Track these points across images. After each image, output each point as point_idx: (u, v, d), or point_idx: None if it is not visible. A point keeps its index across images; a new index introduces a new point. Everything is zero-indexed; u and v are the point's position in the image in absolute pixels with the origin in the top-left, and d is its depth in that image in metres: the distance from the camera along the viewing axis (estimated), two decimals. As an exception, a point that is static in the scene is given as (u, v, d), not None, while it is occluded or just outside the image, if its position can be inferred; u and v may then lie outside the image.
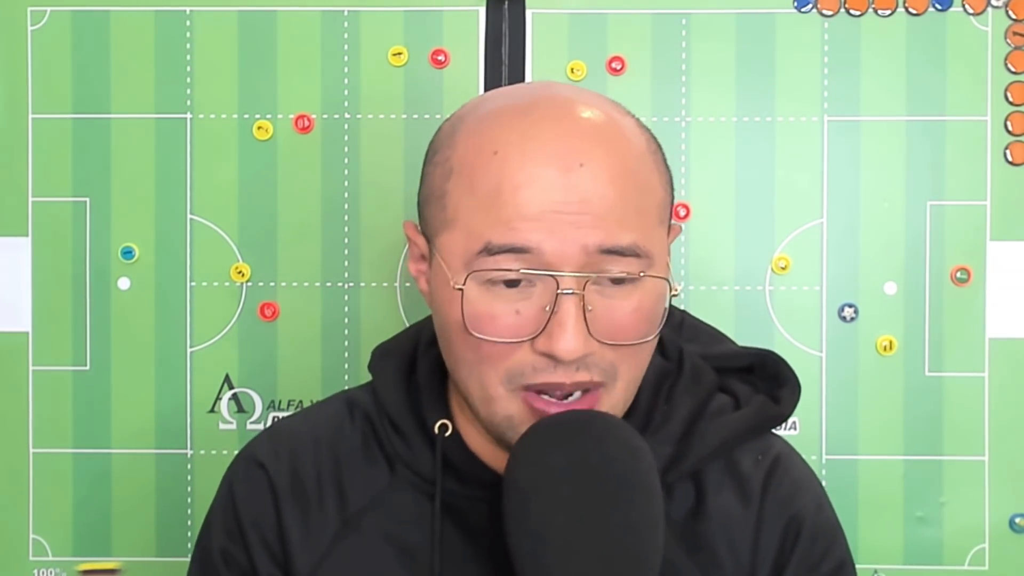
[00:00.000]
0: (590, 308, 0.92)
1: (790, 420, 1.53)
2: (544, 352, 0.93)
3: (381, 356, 1.11)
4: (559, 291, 0.91)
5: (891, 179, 1.56)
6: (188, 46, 1.57)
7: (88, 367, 1.57)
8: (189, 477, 1.56)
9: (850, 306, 1.56)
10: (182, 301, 1.57)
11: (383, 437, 1.06)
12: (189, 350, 1.57)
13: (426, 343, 1.08)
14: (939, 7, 1.55)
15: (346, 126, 1.57)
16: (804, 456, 1.14)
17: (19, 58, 1.57)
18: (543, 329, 0.92)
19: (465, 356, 0.96)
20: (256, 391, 1.57)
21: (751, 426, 1.06)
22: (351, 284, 1.57)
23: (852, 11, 1.56)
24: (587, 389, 0.95)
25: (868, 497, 1.54)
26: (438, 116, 1.56)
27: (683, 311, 1.17)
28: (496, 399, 0.96)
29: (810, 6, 1.56)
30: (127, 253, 1.56)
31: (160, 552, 1.55)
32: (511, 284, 0.93)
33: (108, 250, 1.57)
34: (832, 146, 1.56)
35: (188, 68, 1.57)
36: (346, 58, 1.56)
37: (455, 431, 1.03)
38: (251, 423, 1.56)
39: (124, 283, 1.57)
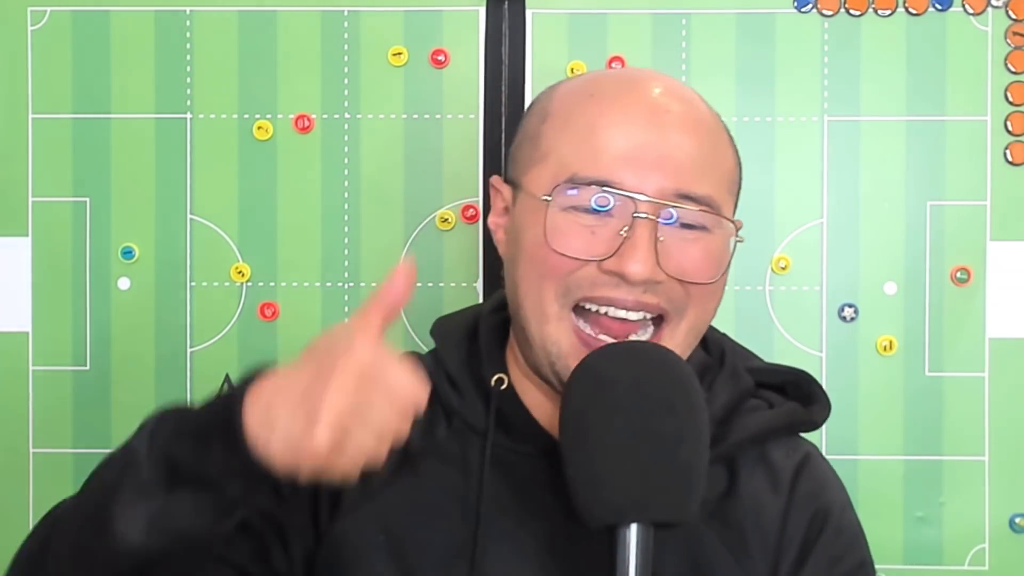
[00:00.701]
0: (661, 239, 0.98)
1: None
2: (613, 271, 0.98)
3: (442, 323, 1.16)
4: (635, 214, 0.98)
5: (891, 179, 1.56)
6: (188, 46, 1.57)
7: (88, 367, 1.57)
8: (189, 477, 1.56)
9: (850, 306, 1.56)
10: (182, 301, 1.57)
11: (441, 392, 1.09)
12: (189, 350, 1.57)
13: (489, 310, 1.13)
14: (939, 7, 1.55)
15: (346, 126, 1.57)
16: (830, 466, 1.15)
17: (19, 58, 1.57)
18: (616, 251, 0.98)
19: (530, 275, 1.01)
20: (256, 391, 1.56)
21: (784, 423, 1.10)
22: (351, 284, 1.57)
23: (852, 11, 1.56)
24: (650, 322, 1.01)
25: (868, 497, 1.54)
26: (438, 116, 1.56)
27: (723, 334, 1.18)
28: (548, 317, 1.01)
29: (810, 6, 1.56)
30: (127, 253, 1.56)
31: (160, 552, 1.55)
32: (590, 211, 0.99)
33: (108, 250, 1.57)
34: (832, 146, 1.56)
35: (188, 68, 1.57)
36: (346, 58, 1.57)
37: (510, 386, 1.08)
38: (251, 423, 1.56)
39: (124, 283, 1.57)
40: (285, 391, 0.87)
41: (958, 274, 1.55)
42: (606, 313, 1.00)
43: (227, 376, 1.56)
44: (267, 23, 1.56)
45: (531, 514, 1.03)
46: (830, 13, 1.56)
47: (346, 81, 1.56)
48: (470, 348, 1.11)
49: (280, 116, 1.57)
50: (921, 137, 1.55)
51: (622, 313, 1.00)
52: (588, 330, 1.01)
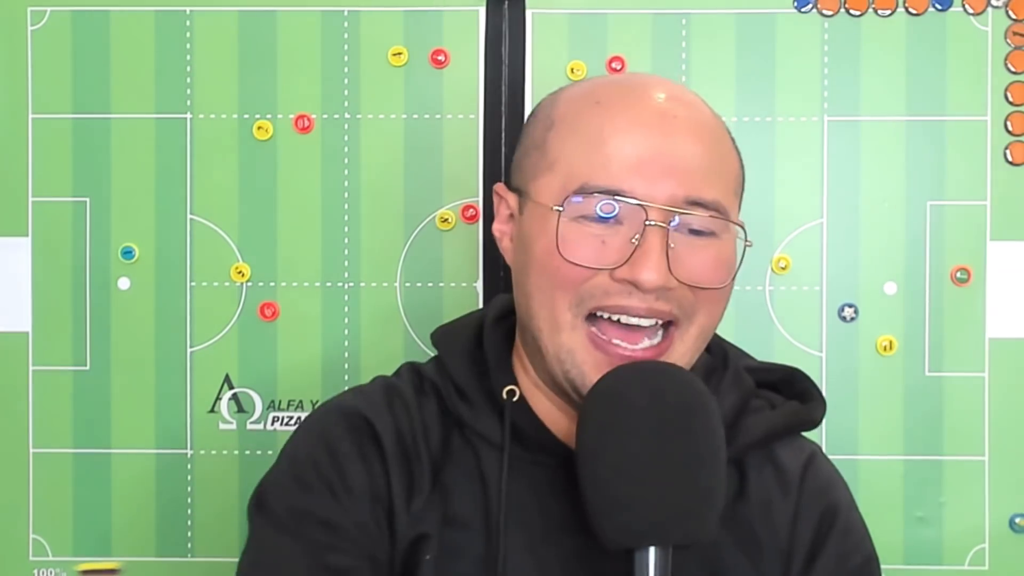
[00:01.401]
0: (672, 246, 0.98)
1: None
2: (625, 279, 0.98)
3: (445, 332, 1.15)
4: (647, 222, 0.98)
5: (891, 179, 1.56)
6: (188, 46, 1.57)
7: (88, 367, 1.57)
8: (189, 477, 1.56)
9: (850, 306, 1.56)
10: (182, 301, 1.57)
11: (450, 404, 1.09)
12: (189, 350, 1.57)
13: (493, 318, 1.13)
14: (939, 7, 1.55)
15: (346, 126, 1.57)
16: (833, 465, 1.16)
17: (19, 58, 1.57)
18: (628, 260, 0.98)
19: (542, 285, 1.01)
20: (256, 391, 1.57)
21: (789, 424, 1.11)
22: (351, 284, 1.57)
23: (852, 11, 1.56)
24: (659, 331, 1.01)
25: (868, 497, 1.54)
26: (438, 116, 1.56)
27: (717, 334, 1.18)
28: (562, 327, 1.00)
29: (810, 6, 1.56)
30: (127, 253, 1.56)
31: (160, 552, 1.55)
32: (600, 220, 0.99)
33: (108, 250, 1.57)
34: (832, 146, 1.56)
35: (188, 68, 1.57)
36: (346, 58, 1.56)
37: (521, 397, 1.07)
38: (251, 423, 1.56)
39: (124, 283, 1.57)
40: None
41: (958, 274, 1.55)
42: (618, 320, 1.00)
43: (227, 376, 1.57)
44: (267, 23, 1.56)
45: (552, 526, 1.04)
46: (830, 13, 1.56)
47: (346, 81, 1.56)
48: (475, 358, 1.10)
49: (280, 116, 1.57)
50: (921, 137, 1.55)
51: (634, 320, 1.00)
52: (601, 335, 1.01)
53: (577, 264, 0.99)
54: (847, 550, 1.08)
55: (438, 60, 1.56)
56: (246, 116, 1.57)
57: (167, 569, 1.55)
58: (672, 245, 0.98)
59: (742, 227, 1.03)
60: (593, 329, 1.01)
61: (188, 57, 1.57)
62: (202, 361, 1.56)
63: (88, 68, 1.57)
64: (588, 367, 0.99)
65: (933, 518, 1.55)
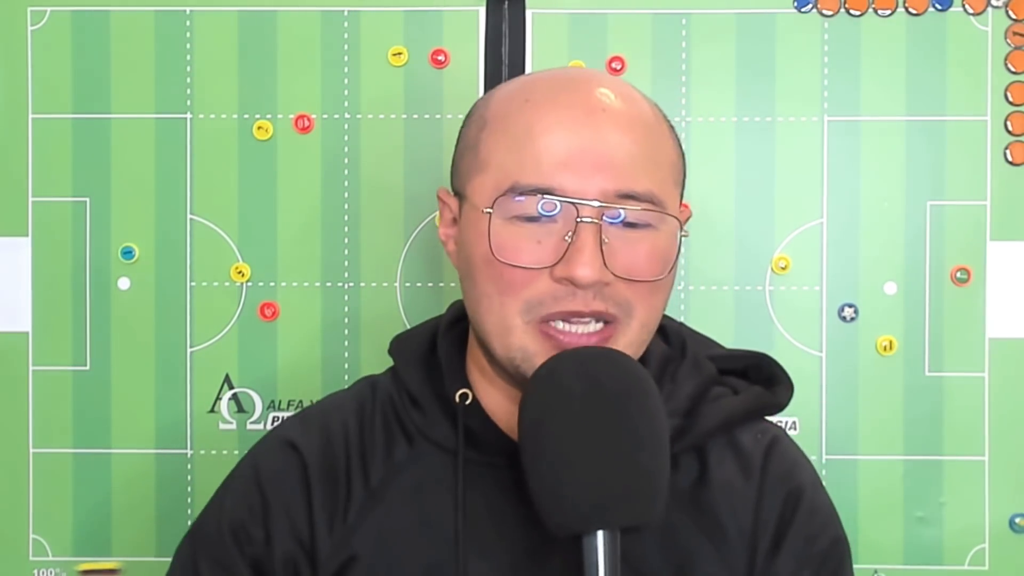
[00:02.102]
0: (606, 240, 0.99)
1: (790, 420, 1.53)
2: (563, 277, 0.99)
3: (400, 341, 1.16)
4: (578, 219, 0.98)
5: (891, 179, 1.56)
6: (188, 46, 1.57)
7: (88, 367, 1.57)
8: (189, 477, 1.56)
9: (850, 306, 1.56)
10: (182, 301, 1.57)
11: (402, 412, 1.10)
12: (189, 350, 1.57)
13: (446, 324, 1.14)
14: (939, 7, 1.55)
15: (346, 126, 1.57)
16: (798, 448, 1.15)
17: (19, 58, 1.57)
18: (562, 257, 0.98)
19: (487, 290, 1.02)
20: (256, 391, 1.57)
21: (750, 408, 1.11)
22: (351, 284, 1.57)
23: (852, 11, 1.56)
24: (603, 321, 1.01)
25: (868, 497, 1.54)
26: (438, 116, 1.56)
27: (680, 323, 1.19)
28: (513, 330, 1.01)
29: (810, 6, 1.56)
30: (127, 253, 1.56)
31: (160, 552, 1.55)
32: (533, 219, 1.00)
33: (108, 250, 1.57)
34: (832, 146, 1.56)
35: (188, 68, 1.57)
36: (346, 58, 1.56)
37: (474, 400, 1.08)
38: (251, 423, 1.56)
39: (124, 283, 1.57)
40: None
41: (958, 274, 1.55)
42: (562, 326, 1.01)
43: (227, 376, 1.57)
44: (267, 23, 1.56)
45: (505, 525, 1.04)
46: (830, 13, 1.56)
47: (346, 81, 1.56)
48: (430, 364, 1.11)
49: (280, 116, 1.57)
50: (921, 137, 1.55)
51: (579, 329, 1.01)
52: (551, 331, 1.01)
53: (514, 266, 0.99)
54: (813, 532, 1.08)
55: (438, 60, 1.56)
56: (246, 116, 1.57)
57: (167, 569, 1.55)
58: (606, 240, 0.99)
59: (677, 218, 1.03)
60: (542, 325, 1.01)
61: (188, 57, 1.57)
62: (202, 361, 1.56)
63: (88, 68, 1.57)
64: (540, 359, 0.99)
65: (933, 518, 1.55)
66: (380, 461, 1.08)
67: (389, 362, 1.16)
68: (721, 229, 1.55)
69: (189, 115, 1.57)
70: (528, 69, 1.55)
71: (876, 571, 1.54)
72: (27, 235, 1.57)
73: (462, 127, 1.10)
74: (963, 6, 1.55)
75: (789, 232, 1.56)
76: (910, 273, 1.55)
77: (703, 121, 1.56)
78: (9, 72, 1.57)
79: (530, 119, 1.01)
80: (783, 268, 1.56)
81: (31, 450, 1.57)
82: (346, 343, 1.56)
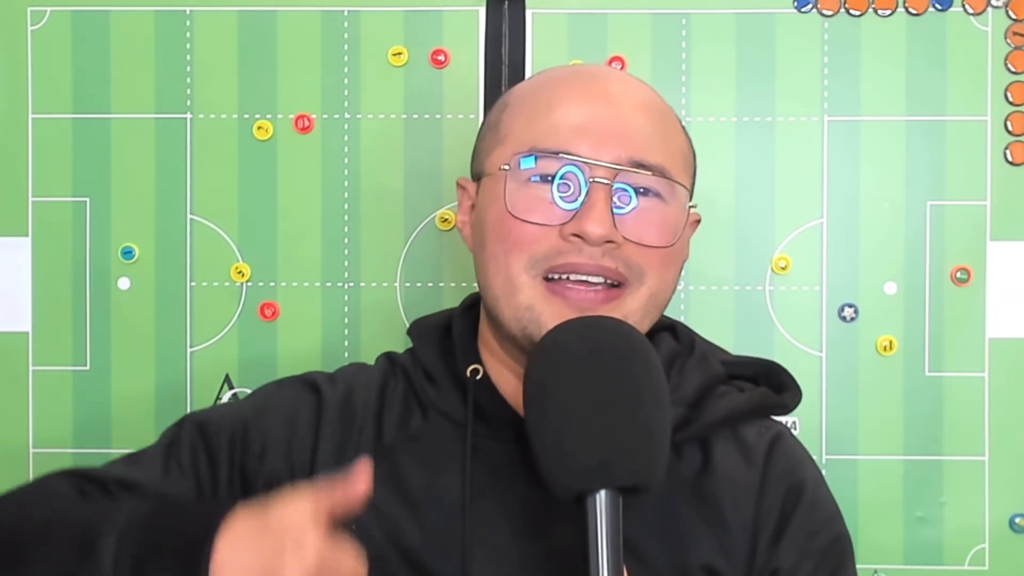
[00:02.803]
0: (618, 204, 1.03)
1: (790, 420, 1.53)
2: (572, 233, 1.02)
3: (419, 323, 1.20)
4: (591, 179, 1.02)
5: (891, 179, 1.56)
6: (188, 46, 1.57)
7: (88, 367, 1.57)
8: (189, 477, 1.56)
9: (850, 306, 1.56)
10: (182, 301, 1.57)
11: (417, 386, 1.13)
12: (189, 350, 1.57)
13: (462, 308, 1.18)
14: (939, 7, 1.55)
15: (346, 126, 1.57)
16: (802, 445, 1.16)
17: (19, 58, 1.57)
18: (574, 216, 1.03)
19: (495, 251, 1.05)
20: (256, 391, 1.57)
21: (756, 405, 1.13)
22: (351, 284, 1.57)
23: (852, 11, 1.56)
24: (611, 283, 1.04)
25: (868, 497, 1.54)
26: (438, 116, 1.56)
27: (693, 331, 1.21)
28: (519, 288, 1.04)
29: (810, 6, 1.56)
30: (127, 253, 1.56)
31: (160, 552, 1.55)
32: (547, 180, 1.04)
33: (108, 250, 1.57)
34: (832, 146, 1.56)
35: (188, 68, 1.57)
36: (346, 58, 1.56)
37: (485, 376, 1.11)
38: (251, 423, 1.56)
39: (124, 283, 1.57)
40: (244, 565, 0.85)
41: (958, 274, 1.55)
42: (568, 278, 1.04)
43: (227, 376, 1.57)
44: (267, 23, 1.56)
45: (509, 499, 1.05)
46: (830, 13, 1.56)
47: (346, 81, 1.56)
48: (445, 344, 1.15)
49: (280, 116, 1.57)
50: (921, 137, 1.55)
51: (583, 277, 1.03)
52: (556, 287, 1.04)
53: (527, 222, 1.03)
54: (815, 527, 1.08)
55: (438, 60, 1.56)
56: (246, 116, 1.57)
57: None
58: (618, 203, 1.03)
59: (686, 187, 1.08)
60: (547, 283, 1.04)
61: (188, 57, 1.57)
62: (202, 361, 1.56)
63: (88, 68, 1.57)
64: (546, 317, 1.02)
65: (933, 518, 1.55)
66: (394, 425, 1.11)
67: (389, 362, 1.16)
68: (721, 229, 1.55)
69: (189, 115, 1.57)
70: (528, 69, 1.55)
71: (876, 571, 1.54)
72: (27, 235, 1.57)
73: (484, 119, 1.14)
74: (963, 6, 1.55)
75: (789, 232, 1.56)
76: (910, 273, 1.55)
77: (703, 121, 1.56)
78: (9, 72, 1.57)
79: (549, 95, 1.07)
80: (783, 268, 1.56)
81: (31, 450, 1.57)
82: (346, 343, 1.56)
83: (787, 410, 1.14)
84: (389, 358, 1.18)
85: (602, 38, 1.56)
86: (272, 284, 1.57)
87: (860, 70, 1.56)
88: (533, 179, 1.04)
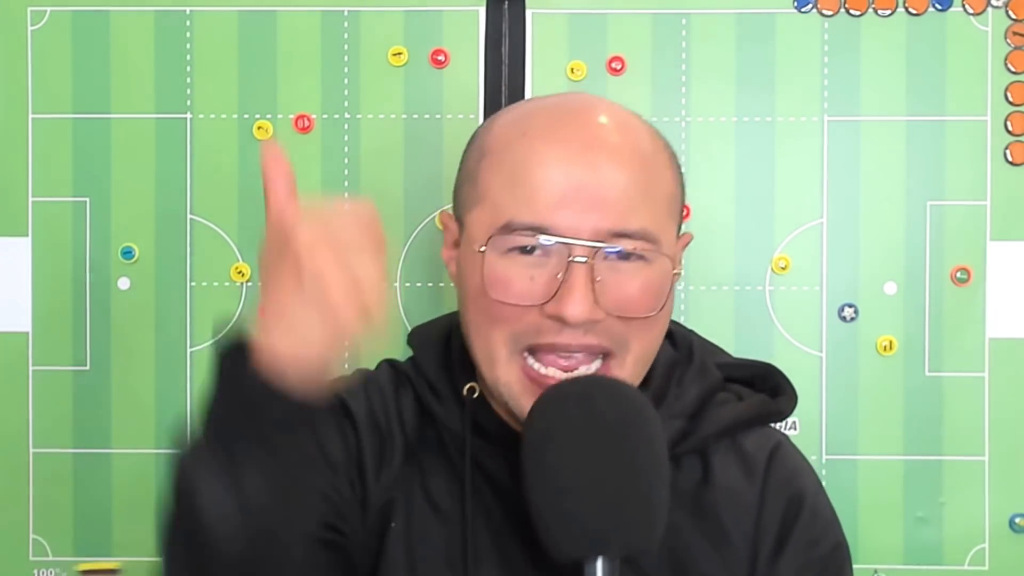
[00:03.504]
0: (599, 278, 1.00)
1: (790, 420, 1.53)
2: (553, 315, 1.00)
3: (419, 332, 1.19)
4: (571, 259, 0.99)
5: (891, 179, 1.56)
6: (188, 46, 1.57)
7: (88, 367, 1.57)
8: (189, 477, 1.56)
9: (850, 306, 1.56)
10: (182, 301, 1.57)
11: (423, 397, 1.12)
12: (189, 350, 1.57)
13: (460, 323, 1.15)
14: (939, 7, 1.55)
15: (346, 126, 1.57)
16: (804, 456, 1.16)
17: (19, 58, 1.57)
18: (554, 295, 1.00)
19: (478, 320, 1.04)
20: (256, 391, 1.56)
21: (754, 415, 1.12)
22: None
23: (852, 11, 1.56)
24: (597, 355, 1.02)
25: (868, 497, 1.54)
26: (438, 116, 1.56)
27: (690, 329, 1.20)
28: (498, 362, 1.03)
29: (810, 6, 1.56)
30: (127, 253, 1.56)
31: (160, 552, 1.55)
32: (527, 252, 1.01)
33: (108, 250, 1.57)
34: (832, 146, 1.56)
35: (188, 68, 1.57)
36: (346, 58, 1.56)
37: (482, 396, 1.10)
38: (251, 423, 1.56)
39: (124, 283, 1.57)
40: (281, 298, 0.87)
41: (958, 274, 1.55)
42: (551, 365, 1.02)
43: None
44: (267, 23, 1.56)
45: (513, 517, 1.05)
46: (830, 13, 1.56)
47: (346, 81, 1.56)
48: (445, 356, 1.14)
49: (280, 116, 1.57)
50: (921, 137, 1.55)
51: (562, 363, 1.02)
52: (537, 367, 1.02)
53: (504, 303, 1.01)
54: (816, 536, 1.08)
55: (438, 60, 1.56)
56: (246, 116, 1.57)
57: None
58: (599, 278, 1.00)
59: (670, 258, 1.04)
60: (529, 360, 1.03)
61: (188, 57, 1.57)
62: (202, 361, 1.56)
63: (88, 68, 1.57)
64: (525, 399, 1.01)
65: (933, 518, 1.55)
66: (414, 432, 1.11)
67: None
68: (721, 229, 1.55)
69: (189, 115, 1.57)
70: (528, 69, 1.55)
71: (876, 571, 1.54)
72: (27, 235, 1.57)
73: (464, 152, 1.11)
74: (963, 6, 1.55)
75: (789, 232, 1.56)
76: (910, 273, 1.55)
77: (703, 121, 1.56)
78: (9, 72, 1.57)
79: (526, 153, 1.02)
80: (783, 268, 1.56)
81: (31, 450, 1.57)
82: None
83: (784, 417, 1.14)
84: (392, 367, 1.17)
85: (602, 38, 1.56)
86: (272, 284, 1.56)
87: (860, 70, 1.56)
88: (512, 251, 1.01)
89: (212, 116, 1.57)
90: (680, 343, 1.16)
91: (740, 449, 1.11)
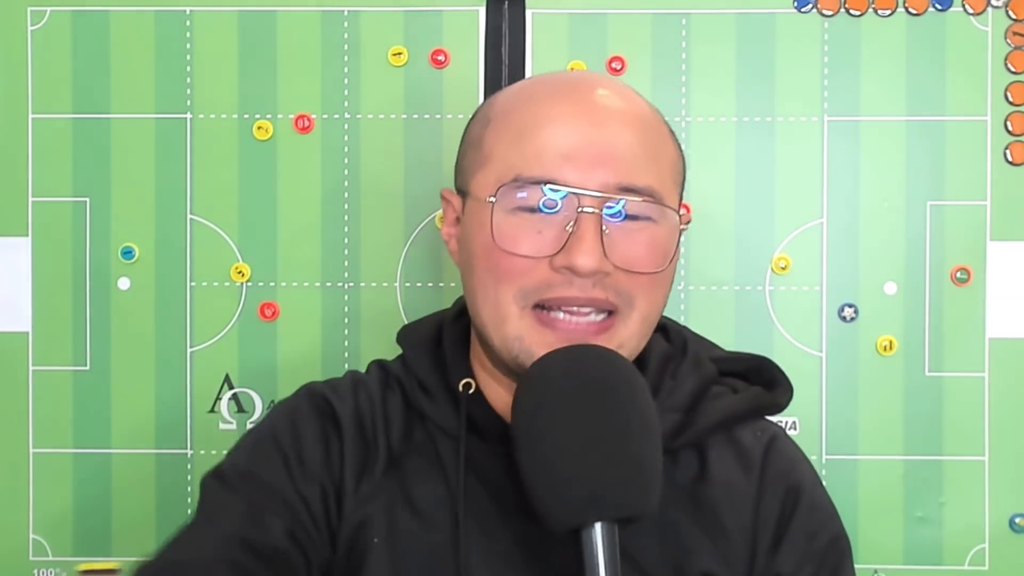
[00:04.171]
0: (607, 231, 1.00)
1: (790, 420, 1.53)
2: (563, 266, 1.00)
3: (409, 330, 1.18)
4: (580, 209, 0.99)
5: (891, 179, 1.56)
6: (188, 46, 1.57)
7: (88, 367, 1.57)
8: (189, 477, 1.56)
9: (850, 306, 1.56)
10: (182, 301, 1.57)
11: (412, 398, 1.12)
12: (189, 350, 1.57)
13: (452, 317, 1.15)
14: (939, 7, 1.55)
15: (346, 126, 1.57)
16: (797, 446, 1.16)
17: (19, 58, 1.57)
18: (563, 246, 1.00)
19: (485, 279, 1.03)
20: (256, 391, 1.57)
21: (750, 407, 1.12)
22: (351, 284, 1.57)
23: (852, 11, 1.56)
24: (603, 312, 1.02)
25: (868, 497, 1.54)
26: (438, 116, 1.56)
27: (683, 325, 1.20)
28: (508, 318, 1.02)
29: (810, 6, 1.56)
30: (127, 253, 1.56)
31: (160, 552, 1.55)
32: (534, 210, 1.01)
33: (108, 250, 1.57)
34: (832, 146, 1.56)
35: (188, 68, 1.57)
36: (346, 58, 1.57)
37: (477, 390, 1.09)
38: (251, 423, 1.56)
39: (124, 283, 1.57)
40: None
41: (958, 274, 1.55)
42: (559, 309, 1.02)
43: (227, 376, 1.57)
44: (267, 23, 1.56)
45: (507, 513, 1.05)
46: (830, 13, 1.56)
47: (346, 81, 1.56)
48: (436, 354, 1.13)
49: (280, 116, 1.57)
50: (921, 137, 1.55)
51: (578, 319, 1.02)
52: (545, 318, 1.03)
53: (515, 254, 1.01)
54: (814, 528, 1.08)
55: (438, 60, 1.56)
56: (246, 116, 1.57)
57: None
58: (607, 231, 1.00)
59: (676, 211, 1.05)
60: (536, 312, 1.03)
61: (188, 57, 1.57)
62: (202, 361, 1.56)
63: (88, 68, 1.57)
64: (537, 347, 1.01)
65: (933, 518, 1.55)
66: (400, 437, 1.10)
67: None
68: (721, 229, 1.55)
69: (189, 115, 1.57)
70: (528, 69, 1.55)
71: (876, 571, 1.54)
72: (27, 235, 1.57)
73: (466, 128, 1.11)
74: (963, 6, 1.55)
75: (789, 232, 1.56)
76: (910, 273, 1.55)
77: (703, 121, 1.56)
78: (9, 72, 1.57)
79: (533, 113, 1.03)
80: (783, 268, 1.56)
81: (31, 450, 1.57)
82: (346, 343, 1.56)
83: (780, 409, 1.14)
84: (382, 367, 1.17)
85: (602, 38, 1.56)
86: (272, 284, 1.57)
87: (860, 70, 1.56)
88: (519, 209, 1.02)
89: (212, 116, 1.57)
90: (674, 337, 1.16)
91: (736, 442, 1.11)
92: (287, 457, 1.07)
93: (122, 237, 1.57)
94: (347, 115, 1.56)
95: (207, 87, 1.56)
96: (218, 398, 1.57)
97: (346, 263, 1.57)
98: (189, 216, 1.57)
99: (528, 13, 1.56)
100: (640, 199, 1.02)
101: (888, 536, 1.54)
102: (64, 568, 1.57)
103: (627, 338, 1.03)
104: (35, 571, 1.56)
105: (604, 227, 1.00)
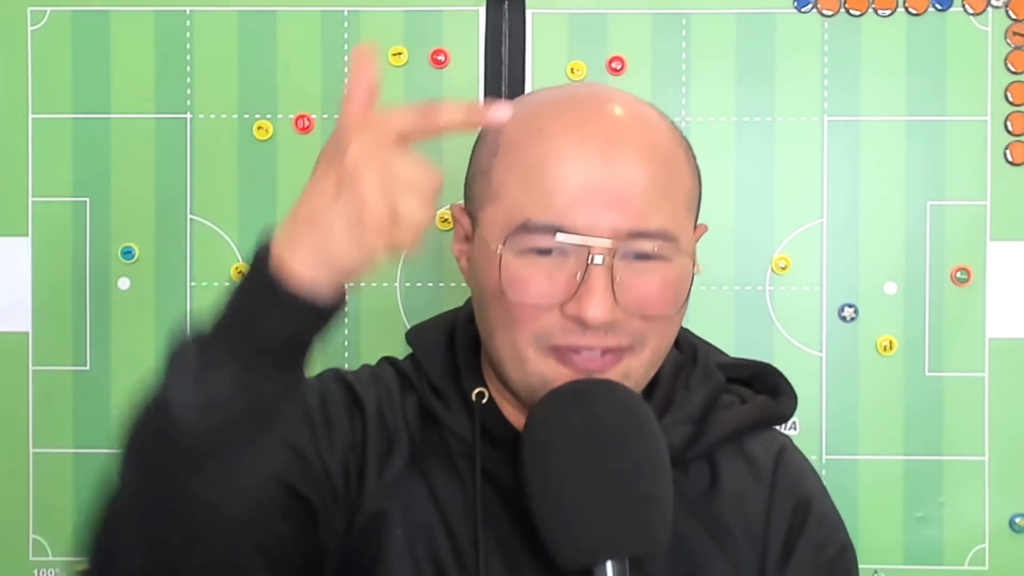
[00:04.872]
0: (618, 278, 0.97)
1: (790, 420, 1.53)
2: (573, 316, 0.98)
3: (420, 332, 1.16)
4: (589, 260, 0.97)
5: (891, 179, 1.56)
6: (188, 46, 1.57)
7: (88, 367, 1.57)
8: (189, 477, 1.56)
9: (850, 306, 1.56)
10: (182, 301, 1.57)
11: (426, 400, 1.10)
12: (189, 350, 1.56)
13: (463, 321, 1.13)
14: (939, 7, 1.55)
15: (346, 126, 1.56)
16: (804, 456, 1.16)
17: (19, 58, 1.57)
18: (573, 295, 0.97)
19: (499, 320, 1.02)
20: (256, 391, 1.57)
21: (759, 418, 1.12)
22: (351, 284, 1.56)
23: (852, 11, 1.56)
24: (618, 353, 1.01)
25: (868, 497, 1.54)
26: (438, 116, 1.56)
27: (686, 329, 1.19)
28: (528, 360, 1.01)
29: (810, 6, 1.56)
30: (127, 253, 1.56)
31: (160, 552, 1.55)
32: (545, 252, 0.99)
33: (108, 250, 1.57)
34: (832, 146, 1.56)
35: (188, 68, 1.57)
36: (346, 58, 1.57)
37: (490, 399, 1.08)
38: (251, 423, 1.56)
39: (124, 283, 1.57)
40: (316, 203, 0.86)
41: (958, 274, 1.55)
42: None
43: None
44: (267, 23, 1.56)
45: (520, 524, 1.03)
46: (830, 13, 1.56)
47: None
48: (448, 358, 1.11)
49: (280, 116, 1.57)
50: (921, 137, 1.55)
51: (593, 354, 1.00)
52: (565, 358, 1.01)
53: (525, 303, 0.99)
54: (823, 540, 1.08)
55: (438, 60, 1.56)
56: (246, 116, 1.57)
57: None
58: (618, 277, 0.97)
59: (689, 256, 1.03)
60: (556, 351, 1.01)
61: (188, 57, 1.57)
62: (202, 361, 1.56)
63: (88, 68, 1.57)
64: (556, 382, 0.99)
65: (933, 518, 1.55)
66: (419, 434, 1.09)
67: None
68: (721, 229, 1.55)
69: (189, 115, 1.57)
70: (528, 69, 1.55)
71: (876, 571, 1.54)
72: (27, 235, 1.57)
73: (475, 144, 1.09)
74: (963, 6, 1.55)
75: (789, 232, 1.56)
76: (910, 273, 1.56)
77: (703, 121, 1.56)
78: (9, 72, 1.57)
79: (543, 150, 1.00)
80: (783, 268, 1.56)
81: (31, 450, 1.57)
82: (346, 343, 1.56)
83: (786, 419, 1.14)
84: (394, 366, 1.15)
85: (602, 38, 1.56)
86: (272, 284, 1.56)
87: (860, 70, 1.56)
88: (530, 251, 0.99)
89: (212, 116, 1.57)
90: (684, 345, 1.15)
91: (746, 453, 1.11)
92: (315, 423, 1.06)
93: (122, 237, 1.57)
94: (347, 115, 1.56)
95: (207, 87, 1.56)
96: (218, 398, 1.56)
97: (346, 263, 1.56)
98: (189, 216, 1.57)
99: (528, 13, 1.56)
100: (652, 244, 0.99)
101: (888, 536, 1.54)
102: (64, 568, 1.57)
103: (636, 369, 1.02)
104: (35, 571, 1.56)
105: (615, 273, 0.97)
